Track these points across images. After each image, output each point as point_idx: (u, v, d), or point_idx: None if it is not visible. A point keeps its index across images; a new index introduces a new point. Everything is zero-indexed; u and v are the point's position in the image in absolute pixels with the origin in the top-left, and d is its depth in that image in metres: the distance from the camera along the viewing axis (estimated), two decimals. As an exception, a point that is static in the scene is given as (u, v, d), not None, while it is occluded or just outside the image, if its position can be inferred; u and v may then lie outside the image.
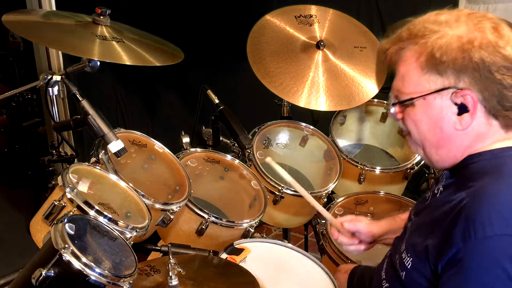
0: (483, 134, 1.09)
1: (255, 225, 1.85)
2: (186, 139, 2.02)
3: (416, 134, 1.15)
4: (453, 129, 1.09)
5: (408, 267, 1.12)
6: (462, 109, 1.06)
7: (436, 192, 1.19)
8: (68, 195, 1.33)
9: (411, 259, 1.11)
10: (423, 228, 1.12)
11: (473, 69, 1.03)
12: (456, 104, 1.07)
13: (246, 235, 1.84)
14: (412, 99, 1.11)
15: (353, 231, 1.56)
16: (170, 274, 1.27)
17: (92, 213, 1.31)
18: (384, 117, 2.49)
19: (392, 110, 1.17)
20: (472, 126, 1.08)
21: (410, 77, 1.11)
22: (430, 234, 1.07)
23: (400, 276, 1.14)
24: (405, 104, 1.13)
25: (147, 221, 1.48)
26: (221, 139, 2.15)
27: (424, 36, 1.08)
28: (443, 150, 1.13)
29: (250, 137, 2.09)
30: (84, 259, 1.08)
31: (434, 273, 1.05)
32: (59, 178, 1.38)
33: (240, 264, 1.59)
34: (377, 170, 2.26)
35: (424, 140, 1.14)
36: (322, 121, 2.76)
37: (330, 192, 2.13)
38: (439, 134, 1.11)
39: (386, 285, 1.22)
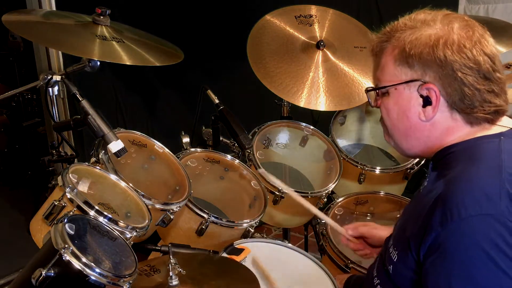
0: (451, 127, 1.15)
1: (255, 225, 1.85)
2: (186, 139, 2.02)
3: (388, 121, 1.23)
4: (418, 119, 1.16)
5: (395, 260, 1.15)
6: (427, 101, 1.13)
7: (421, 188, 1.24)
8: (68, 195, 1.33)
9: (396, 252, 1.15)
10: (406, 221, 1.16)
11: (437, 65, 1.10)
12: (422, 96, 1.14)
13: (246, 235, 1.83)
14: (385, 87, 1.20)
15: (357, 236, 1.63)
16: (171, 274, 1.28)
17: (92, 213, 1.31)
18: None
19: (370, 96, 1.27)
20: (436, 119, 1.14)
21: (387, 68, 1.20)
22: (411, 226, 1.10)
23: (388, 270, 1.18)
24: (382, 91, 1.22)
25: (147, 221, 1.48)
26: (221, 139, 2.15)
27: (401, 32, 1.16)
28: (411, 138, 1.20)
29: (250, 137, 2.09)
30: (84, 259, 1.08)
31: (417, 262, 1.08)
32: (59, 178, 1.38)
33: (240, 264, 1.59)
34: (377, 170, 2.25)
35: (394, 128, 1.22)
36: (322, 121, 2.76)
37: (330, 192, 2.13)
38: (406, 123, 1.19)
39: (377, 281, 1.25)
